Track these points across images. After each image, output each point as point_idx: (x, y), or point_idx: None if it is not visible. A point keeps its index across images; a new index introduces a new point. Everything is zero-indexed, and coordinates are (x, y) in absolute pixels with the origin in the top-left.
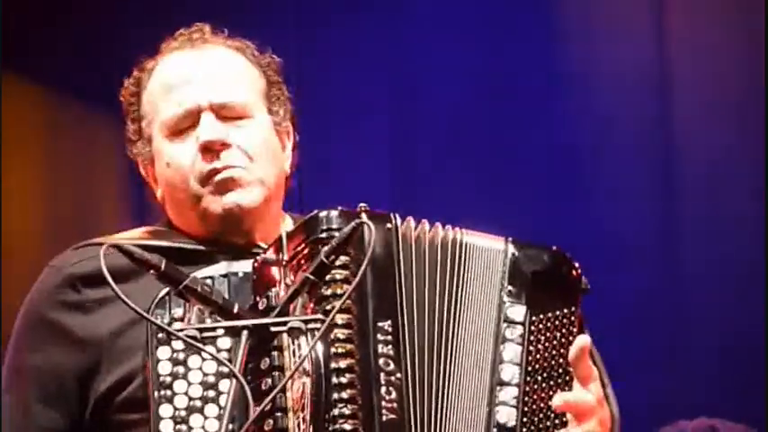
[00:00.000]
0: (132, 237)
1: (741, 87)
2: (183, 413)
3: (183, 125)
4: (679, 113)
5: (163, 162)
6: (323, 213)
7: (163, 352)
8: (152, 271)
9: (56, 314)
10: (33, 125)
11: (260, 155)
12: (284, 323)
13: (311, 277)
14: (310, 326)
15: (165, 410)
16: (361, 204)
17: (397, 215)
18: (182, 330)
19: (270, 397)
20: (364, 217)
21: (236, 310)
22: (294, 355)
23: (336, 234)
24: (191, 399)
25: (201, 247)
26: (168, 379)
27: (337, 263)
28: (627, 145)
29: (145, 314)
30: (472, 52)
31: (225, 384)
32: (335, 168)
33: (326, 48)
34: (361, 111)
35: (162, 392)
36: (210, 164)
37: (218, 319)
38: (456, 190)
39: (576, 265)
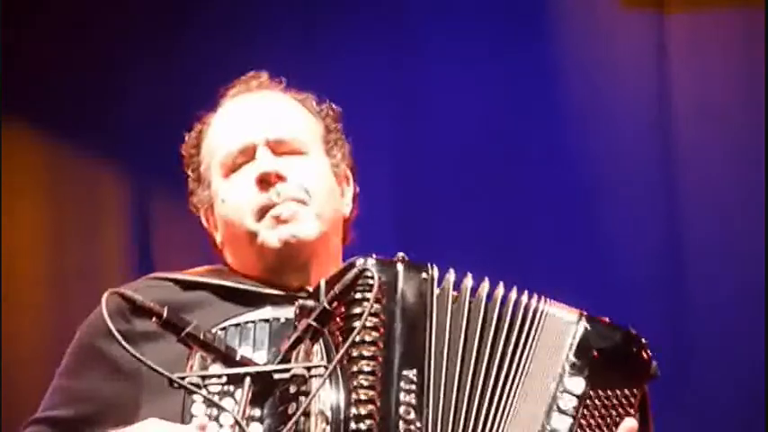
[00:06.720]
0: (193, 273)
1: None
2: None
3: (239, 161)
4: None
5: (219, 200)
6: (360, 261)
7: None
8: (154, 318)
9: (103, 342)
10: (35, 169)
11: (316, 190)
12: (287, 370)
13: (314, 324)
14: (313, 372)
15: None
16: (399, 254)
17: (434, 266)
18: (184, 378)
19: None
20: (399, 266)
21: (238, 358)
22: (319, 401)
23: (371, 282)
24: None
25: (253, 288)
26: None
27: (372, 309)
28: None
29: (140, 357)
30: (481, 86)
31: (254, 428)
32: None
33: (330, 85)
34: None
35: None
36: (267, 196)
37: (222, 366)
38: (461, 228)
39: (648, 349)
